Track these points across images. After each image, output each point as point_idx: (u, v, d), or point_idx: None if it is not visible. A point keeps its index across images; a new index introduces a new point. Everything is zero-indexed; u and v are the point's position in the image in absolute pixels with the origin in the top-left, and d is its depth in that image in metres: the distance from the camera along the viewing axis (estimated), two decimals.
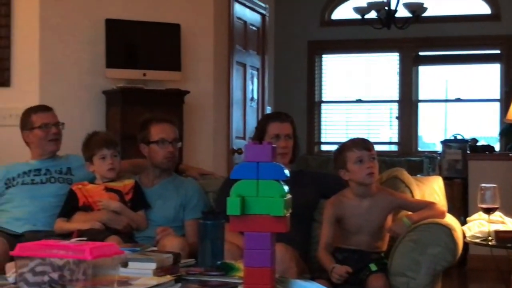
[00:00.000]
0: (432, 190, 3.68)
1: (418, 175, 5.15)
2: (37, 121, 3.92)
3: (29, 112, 3.98)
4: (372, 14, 7.56)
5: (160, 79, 5.36)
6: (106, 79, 5.23)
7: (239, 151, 6.26)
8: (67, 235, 3.42)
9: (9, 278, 2.50)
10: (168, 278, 2.54)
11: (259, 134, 3.71)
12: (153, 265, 2.58)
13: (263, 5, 7.02)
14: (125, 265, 2.53)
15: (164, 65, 5.41)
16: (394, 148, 9.33)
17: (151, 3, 5.47)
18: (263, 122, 3.81)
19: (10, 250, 2.46)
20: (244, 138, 6.53)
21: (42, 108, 4.01)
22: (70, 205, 3.68)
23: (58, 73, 5.18)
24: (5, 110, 5.05)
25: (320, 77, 9.50)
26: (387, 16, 7.46)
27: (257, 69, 6.99)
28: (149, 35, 5.42)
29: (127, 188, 3.74)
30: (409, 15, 7.52)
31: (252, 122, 6.55)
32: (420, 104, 9.24)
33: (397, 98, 9.24)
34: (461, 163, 6.94)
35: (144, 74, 5.28)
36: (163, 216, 3.73)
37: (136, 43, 5.44)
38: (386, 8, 7.44)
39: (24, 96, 5.00)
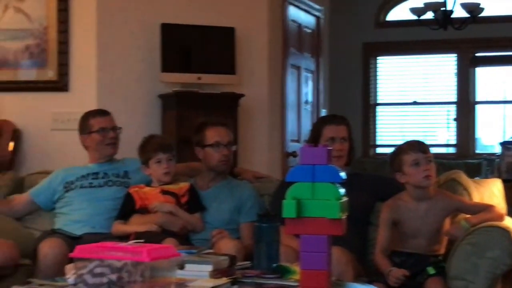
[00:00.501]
0: (491, 192, 3.62)
1: (476, 178, 5.07)
2: (95, 125, 3.97)
3: (87, 116, 4.04)
4: (429, 15, 7.48)
5: (215, 83, 5.38)
6: (161, 83, 5.28)
7: (294, 154, 6.25)
8: (124, 237, 3.46)
9: (69, 280, 2.54)
10: (224, 280, 2.56)
11: (314, 137, 3.71)
12: (209, 267, 2.59)
13: (317, 7, 7.00)
14: (181, 267, 2.55)
15: (219, 68, 5.43)
16: (451, 150, 9.21)
17: (205, 7, 5.50)
18: (318, 124, 3.80)
19: (69, 252, 2.51)
20: (298, 141, 6.52)
21: (100, 113, 4.07)
22: (127, 208, 3.73)
23: (115, 77, 5.24)
24: (64, 115, 5.13)
25: (375, 79, 9.44)
26: (444, 16, 7.38)
27: (312, 72, 6.97)
28: (203, 39, 5.44)
29: (183, 190, 3.77)
30: (466, 15, 7.42)
31: (306, 125, 6.53)
32: (477, 106, 9.11)
33: (454, 100, 9.13)
34: None
35: (199, 78, 5.31)
36: (218, 218, 3.75)
37: (191, 47, 5.47)
38: (443, 8, 7.36)
39: (82, 101, 5.06)
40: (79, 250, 2.22)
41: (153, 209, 3.64)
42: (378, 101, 9.46)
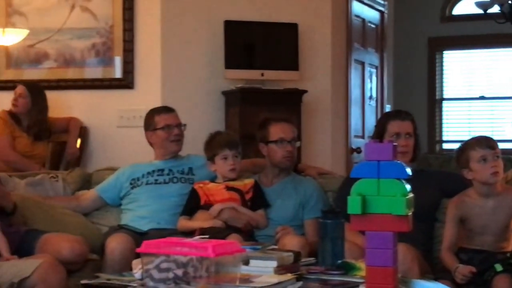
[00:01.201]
0: None
1: None
2: (160, 122, 4.00)
3: (152, 114, 4.08)
4: (495, 9, 7.33)
5: (278, 79, 5.39)
6: (225, 79, 5.31)
7: (358, 150, 6.21)
8: (189, 233, 3.49)
9: (136, 274, 2.59)
10: (289, 276, 2.56)
11: (379, 133, 3.68)
12: (274, 263, 2.60)
13: (381, 2, 6.94)
14: (246, 262, 2.56)
15: (282, 64, 5.43)
16: None
17: (268, 3, 5.51)
18: (383, 120, 3.77)
19: (136, 247, 2.55)
20: (363, 137, 6.48)
21: (165, 110, 4.10)
22: (192, 204, 3.76)
23: (179, 75, 5.30)
24: (129, 112, 5.21)
25: (441, 74, 9.30)
26: (510, 10, 7.22)
27: (376, 67, 6.92)
28: (267, 35, 5.46)
29: (247, 187, 3.78)
30: None
31: (371, 121, 6.49)
32: None
33: None
34: None
35: (262, 74, 5.32)
36: (282, 215, 3.75)
37: (254, 44, 5.49)
38: (510, 1, 7.20)
39: (147, 98, 5.13)
40: (146, 246, 2.25)
41: (214, 212, 3.66)
42: (444, 96, 9.32)
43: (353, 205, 2.04)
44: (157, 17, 5.25)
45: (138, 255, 2.37)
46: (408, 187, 2.07)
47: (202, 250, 2.16)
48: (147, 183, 3.95)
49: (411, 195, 2.08)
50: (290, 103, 5.27)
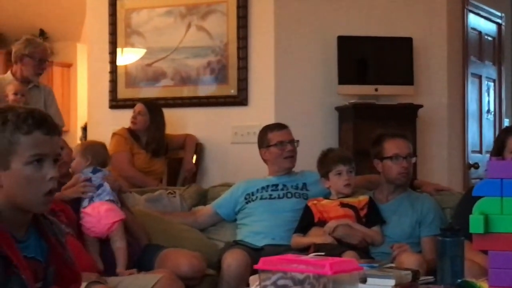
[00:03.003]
0: None
1: None
2: (273, 139, 4.04)
3: (265, 131, 4.12)
4: None
5: (392, 94, 5.33)
6: (338, 95, 5.29)
7: (476, 166, 6.06)
8: (304, 250, 3.50)
9: None
10: None
11: (498, 148, 3.58)
12: (392, 282, 2.56)
13: (498, 14, 6.76)
14: (363, 281, 2.54)
15: (396, 79, 5.37)
16: None
17: (382, 18, 5.46)
18: (502, 135, 3.66)
19: (251, 263, 2.57)
20: (480, 152, 6.31)
21: (278, 126, 4.14)
22: (306, 221, 3.77)
23: (292, 91, 5.32)
24: (244, 128, 5.27)
25: None
26: None
27: (493, 81, 6.73)
28: (380, 50, 5.40)
29: (362, 203, 3.76)
30: None
31: (488, 136, 6.32)
32: None
33: None
34: None
35: (376, 90, 5.28)
36: (398, 232, 3.70)
37: (368, 59, 5.46)
38: None
39: (260, 114, 5.18)
40: (263, 262, 2.26)
41: (329, 229, 3.64)
42: None
43: (476, 224, 1.99)
44: (271, 34, 5.30)
45: (254, 271, 2.39)
46: None
47: (319, 268, 2.15)
48: (261, 198, 3.98)
49: None
50: (404, 118, 5.19)
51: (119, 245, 3.36)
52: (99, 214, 3.37)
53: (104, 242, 3.39)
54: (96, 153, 3.54)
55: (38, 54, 4.92)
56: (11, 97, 4.65)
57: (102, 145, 3.66)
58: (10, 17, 9.93)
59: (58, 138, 2.10)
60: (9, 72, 5.05)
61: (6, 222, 1.98)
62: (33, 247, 2.06)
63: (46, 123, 2.02)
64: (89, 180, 3.46)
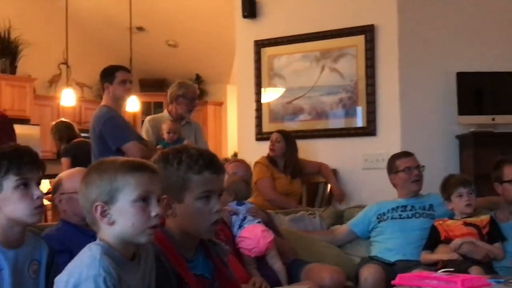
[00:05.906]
0: None
1: None
2: (401, 165, 4.00)
3: (393, 159, 4.09)
4: None
5: (508, 123, 5.15)
6: (458, 125, 5.17)
7: None
8: (431, 265, 3.44)
9: None
10: None
11: None
12: None
13: None
14: None
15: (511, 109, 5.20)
16: None
17: (497, 54, 5.29)
18: None
19: (385, 277, 2.55)
20: None
21: (405, 154, 4.11)
22: (434, 239, 3.70)
23: (416, 122, 5.24)
24: (374, 156, 5.24)
25: None
26: None
27: None
28: (496, 83, 5.26)
29: (484, 222, 3.66)
30: None
31: None
32: None
33: None
34: None
35: (493, 119, 5.12)
36: None
37: (484, 91, 5.32)
38: None
39: (388, 143, 5.13)
40: (400, 278, 2.25)
41: (454, 246, 3.56)
42: None
43: None
44: (395, 71, 5.25)
45: (388, 285, 2.38)
46: None
47: (451, 284, 2.12)
48: (392, 218, 3.95)
49: None
50: None
51: (278, 263, 3.37)
52: (257, 235, 3.38)
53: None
54: (238, 191, 3.59)
55: (190, 94, 5.04)
56: (165, 135, 4.81)
57: (243, 182, 3.66)
58: (172, 65, 10.39)
59: (223, 176, 2.13)
60: (165, 111, 5.19)
61: (178, 245, 2.04)
62: (201, 266, 2.10)
63: (213, 164, 2.06)
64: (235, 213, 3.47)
